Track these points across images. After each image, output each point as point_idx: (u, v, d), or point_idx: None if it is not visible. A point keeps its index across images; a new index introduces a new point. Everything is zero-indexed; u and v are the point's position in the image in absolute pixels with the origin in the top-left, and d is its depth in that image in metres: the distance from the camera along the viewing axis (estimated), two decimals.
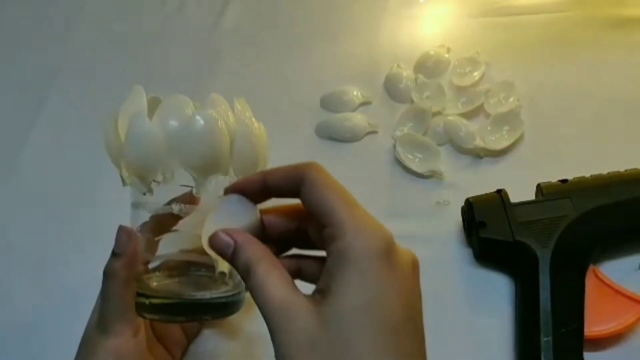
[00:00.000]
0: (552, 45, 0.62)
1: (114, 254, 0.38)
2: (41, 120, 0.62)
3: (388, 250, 0.28)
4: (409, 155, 0.55)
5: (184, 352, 0.46)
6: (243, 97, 0.39)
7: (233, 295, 0.39)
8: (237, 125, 0.37)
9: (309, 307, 0.28)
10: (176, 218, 0.39)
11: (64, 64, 0.67)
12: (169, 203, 0.38)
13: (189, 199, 0.39)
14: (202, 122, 0.35)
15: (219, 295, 0.38)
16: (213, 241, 0.31)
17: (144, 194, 0.37)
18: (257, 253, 0.30)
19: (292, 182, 0.31)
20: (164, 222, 0.39)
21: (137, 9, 0.71)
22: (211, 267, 0.37)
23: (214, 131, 0.35)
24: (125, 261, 0.37)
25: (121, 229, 0.38)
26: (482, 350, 0.46)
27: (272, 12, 0.69)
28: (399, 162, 0.55)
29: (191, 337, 0.47)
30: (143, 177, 0.36)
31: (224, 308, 0.39)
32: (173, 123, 0.36)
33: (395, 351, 0.27)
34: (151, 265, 0.40)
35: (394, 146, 0.55)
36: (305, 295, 0.29)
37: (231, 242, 0.31)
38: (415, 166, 0.54)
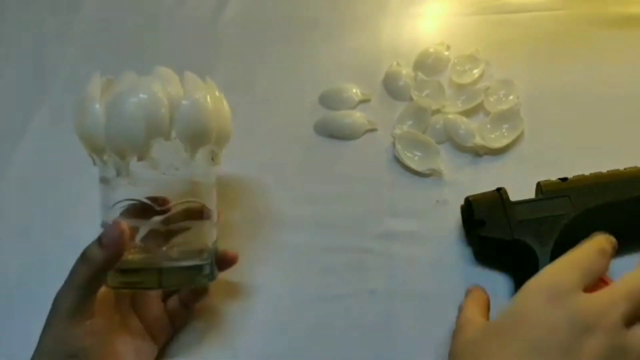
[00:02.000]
0: (552, 43, 0.62)
1: (100, 244, 0.38)
2: (39, 114, 0.62)
3: (554, 294, 0.37)
4: (408, 154, 0.54)
5: (169, 339, 0.47)
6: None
7: (201, 266, 0.42)
8: (184, 94, 0.41)
9: (481, 324, 0.42)
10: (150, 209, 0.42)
11: (64, 55, 0.67)
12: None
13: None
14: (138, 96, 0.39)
15: (188, 264, 0.41)
16: None
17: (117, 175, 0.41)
18: (474, 293, 0.46)
19: None
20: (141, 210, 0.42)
21: (136, 3, 0.71)
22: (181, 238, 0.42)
23: (152, 99, 0.39)
24: (109, 255, 0.38)
25: (115, 224, 0.39)
26: None
27: (272, 7, 0.68)
28: (398, 160, 0.55)
29: (178, 326, 0.47)
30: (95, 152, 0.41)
31: (189, 277, 0.42)
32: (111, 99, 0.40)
33: None
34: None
35: (393, 144, 0.55)
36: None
37: None
38: (414, 164, 0.54)
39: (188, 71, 0.43)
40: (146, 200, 0.42)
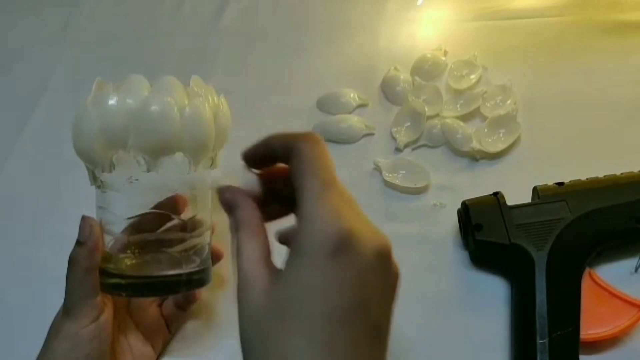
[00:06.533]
0: (548, 48, 0.63)
1: (78, 243, 0.39)
2: (32, 123, 0.62)
3: (339, 246, 0.28)
4: (389, 174, 0.54)
5: (166, 344, 0.47)
6: (197, 76, 0.41)
7: (197, 272, 0.41)
8: (188, 108, 0.39)
9: (264, 285, 0.30)
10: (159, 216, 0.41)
11: (59, 62, 0.67)
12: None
13: (174, 204, 0.42)
14: (157, 108, 0.38)
15: (186, 271, 0.41)
16: (220, 195, 0.34)
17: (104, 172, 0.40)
18: (243, 218, 0.32)
19: (284, 152, 0.32)
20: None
21: (135, 7, 0.71)
22: (181, 245, 0.41)
23: (167, 117, 0.38)
24: (87, 250, 0.39)
25: (84, 220, 0.40)
26: (479, 352, 0.46)
27: (270, 13, 0.69)
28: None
29: (174, 329, 0.47)
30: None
31: (188, 284, 0.41)
32: (130, 102, 0.38)
33: (331, 340, 0.28)
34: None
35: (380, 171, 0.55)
36: (272, 270, 0.31)
37: (228, 199, 0.34)
38: (399, 181, 0.54)
39: (193, 77, 0.42)
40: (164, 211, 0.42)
